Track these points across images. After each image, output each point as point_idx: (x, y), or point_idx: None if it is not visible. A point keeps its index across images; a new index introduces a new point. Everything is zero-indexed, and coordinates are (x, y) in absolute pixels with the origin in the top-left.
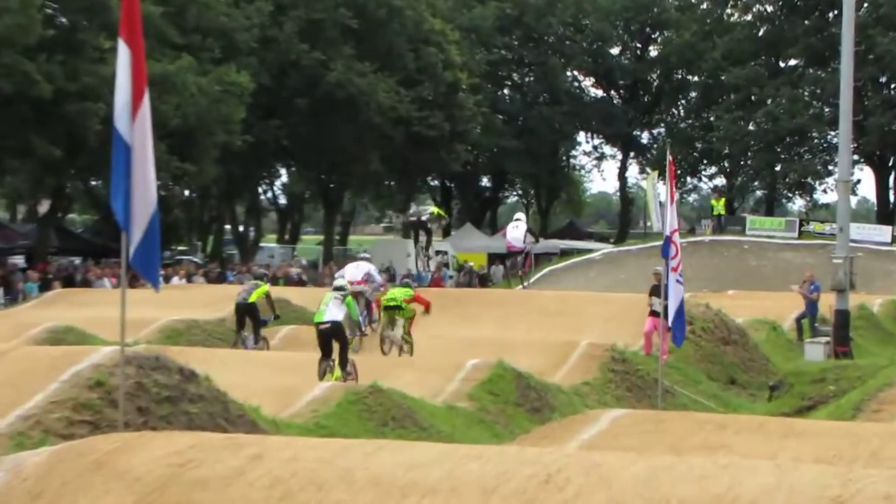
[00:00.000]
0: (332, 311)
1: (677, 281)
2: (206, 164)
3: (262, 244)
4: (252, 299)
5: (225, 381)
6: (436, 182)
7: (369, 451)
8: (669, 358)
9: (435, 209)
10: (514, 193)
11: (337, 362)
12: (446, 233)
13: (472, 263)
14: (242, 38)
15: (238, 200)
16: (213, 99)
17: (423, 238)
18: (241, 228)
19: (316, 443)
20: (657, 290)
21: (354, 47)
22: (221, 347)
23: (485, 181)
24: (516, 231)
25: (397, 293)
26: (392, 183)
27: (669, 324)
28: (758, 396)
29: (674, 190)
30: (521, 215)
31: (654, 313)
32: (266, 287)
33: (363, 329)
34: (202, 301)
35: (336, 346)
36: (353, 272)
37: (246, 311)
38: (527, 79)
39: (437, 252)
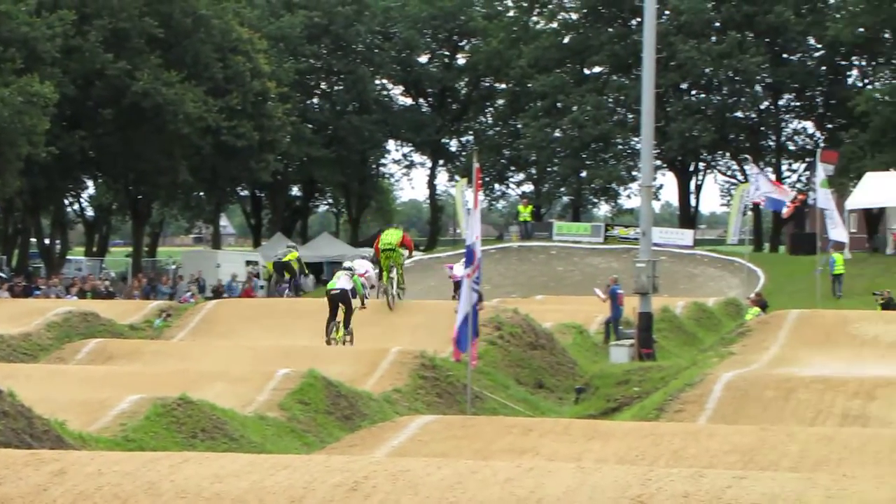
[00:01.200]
0: (342, 281)
1: (472, 288)
2: (10, 176)
3: (69, 257)
4: (286, 259)
5: (30, 397)
6: (245, 192)
7: (175, 464)
8: (479, 363)
9: (293, 254)
10: (325, 202)
11: (342, 323)
12: (256, 242)
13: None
14: (45, 48)
15: (43, 213)
16: (15, 110)
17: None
18: (46, 241)
19: (121, 456)
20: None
21: (161, 56)
22: (26, 362)
23: (295, 190)
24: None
25: (391, 237)
26: (201, 193)
27: (456, 329)
28: (565, 399)
29: (478, 197)
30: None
31: None
32: (296, 253)
33: (364, 304)
34: (6, 315)
35: (342, 310)
36: (361, 265)
37: (284, 267)
38: (336, 87)
39: (248, 262)
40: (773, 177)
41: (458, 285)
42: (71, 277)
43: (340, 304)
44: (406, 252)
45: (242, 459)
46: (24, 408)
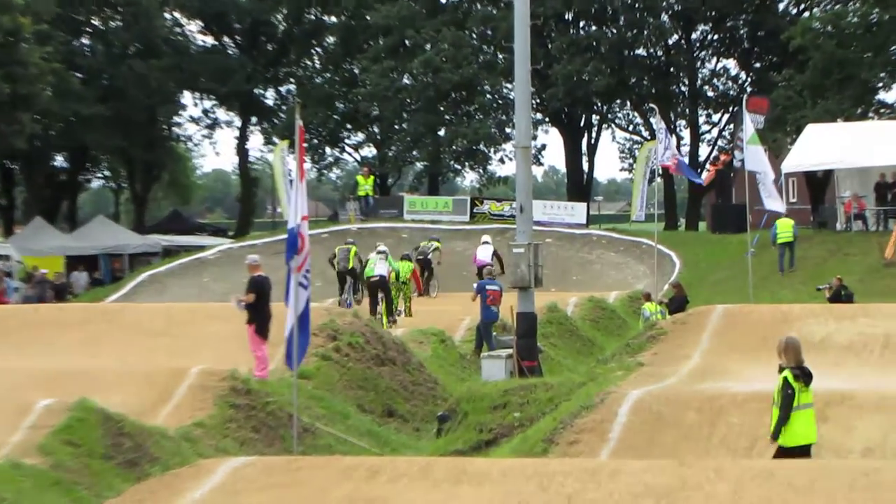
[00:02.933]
0: (379, 267)
1: (301, 284)
2: None
3: None
4: (350, 265)
5: None
6: None
7: None
8: (307, 385)
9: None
10: (100, 176)
11: (384, 308)
12: (8, 230)
13: (45, 271)
14: None
15: None
16: None
17: None
18: None
19: None
20: None
21: None
22: None
23: (59, 160)
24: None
25: (403, 268)
26: None
27: (285, 338)
28: (424, 431)
29: (303, 165)
30: (487, 237)
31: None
32: (355, 248)
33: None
34: None
35: (381, 296)
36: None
37: (347, 273)
38: (112, 23)
39: None
40: (686, 133)
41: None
42: None
43: (379, 290)
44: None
45: None
46: None
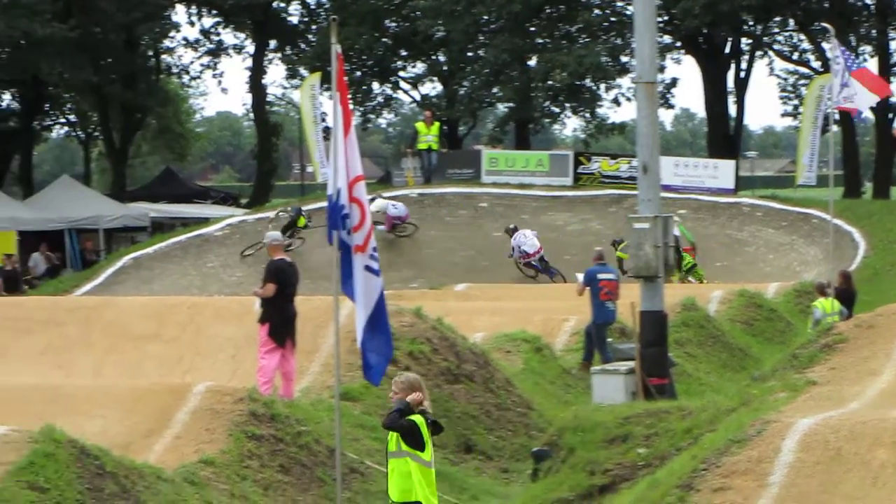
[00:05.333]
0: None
1: (367, 268)
2: None
3: None
4: None
5: None
6: None
7: None
8: (353, 409)
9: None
10: (63, 122)
11: None
12: None
13: None
14: None
15: None
16: None
17: None
18: None
19: None
20: None
21: None
22: None
23: (6, 100)
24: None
25: None
26: None
27: (359, 340)
28: (514, 471)
29: (348, 106)
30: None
31: None
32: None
33: None
34: None
35: None
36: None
37: None
38: None
39: None
40: (873, 62)
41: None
42: None
43: None
44: None
45: None
46: None
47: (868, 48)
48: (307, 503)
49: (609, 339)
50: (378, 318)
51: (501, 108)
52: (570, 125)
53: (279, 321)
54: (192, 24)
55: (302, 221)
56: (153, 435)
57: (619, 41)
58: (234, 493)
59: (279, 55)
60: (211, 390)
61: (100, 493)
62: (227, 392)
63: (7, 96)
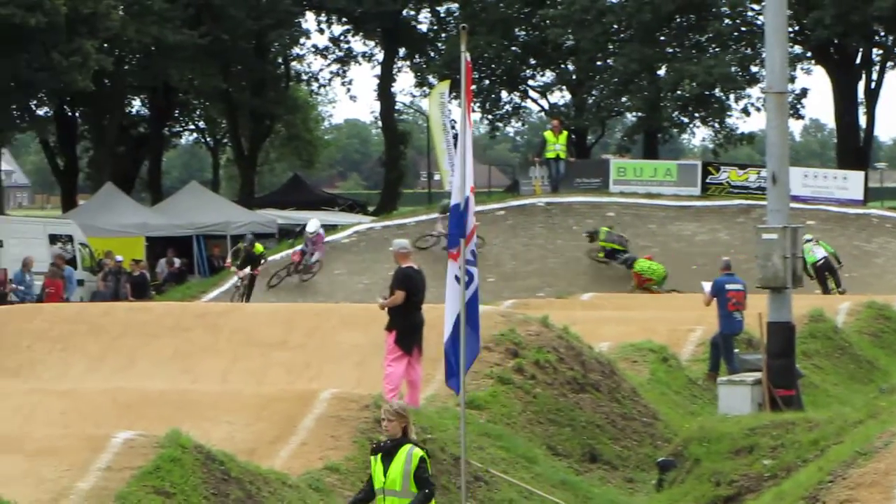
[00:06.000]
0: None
1: (465, 275)
2: None
3: None
4: None
5: None
6: (46, 110)
7: None
8: (479, 417)
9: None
10: (192, 128)
11: None
12: (68, 202)
13: (120, 258)
14: None
15: None
16: None
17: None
18: None
19: None
20: None
21: None
22: None
23: (136, 106)
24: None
25: None
26: None
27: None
28: (639, 481)
29: (470, 115)
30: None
31: None
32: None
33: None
34: None
35: None
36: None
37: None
38: None
39: (54, 238)
40: None
41: None
42: None
43: None
44: None
45: None
46: None
47: None
48: None
49: (736, 350)
50: (474, 320)
51: (630, 117)
52: (699, 135)
53: (406, 329)
54: (321, 31)
55: (259, 248)
56: (279, 441)
57: (748, 51)
58: None
59: (408, 63)
60: (337, 397)
61: (225, 499)
62: (353, 399)
63: (137, 102)
